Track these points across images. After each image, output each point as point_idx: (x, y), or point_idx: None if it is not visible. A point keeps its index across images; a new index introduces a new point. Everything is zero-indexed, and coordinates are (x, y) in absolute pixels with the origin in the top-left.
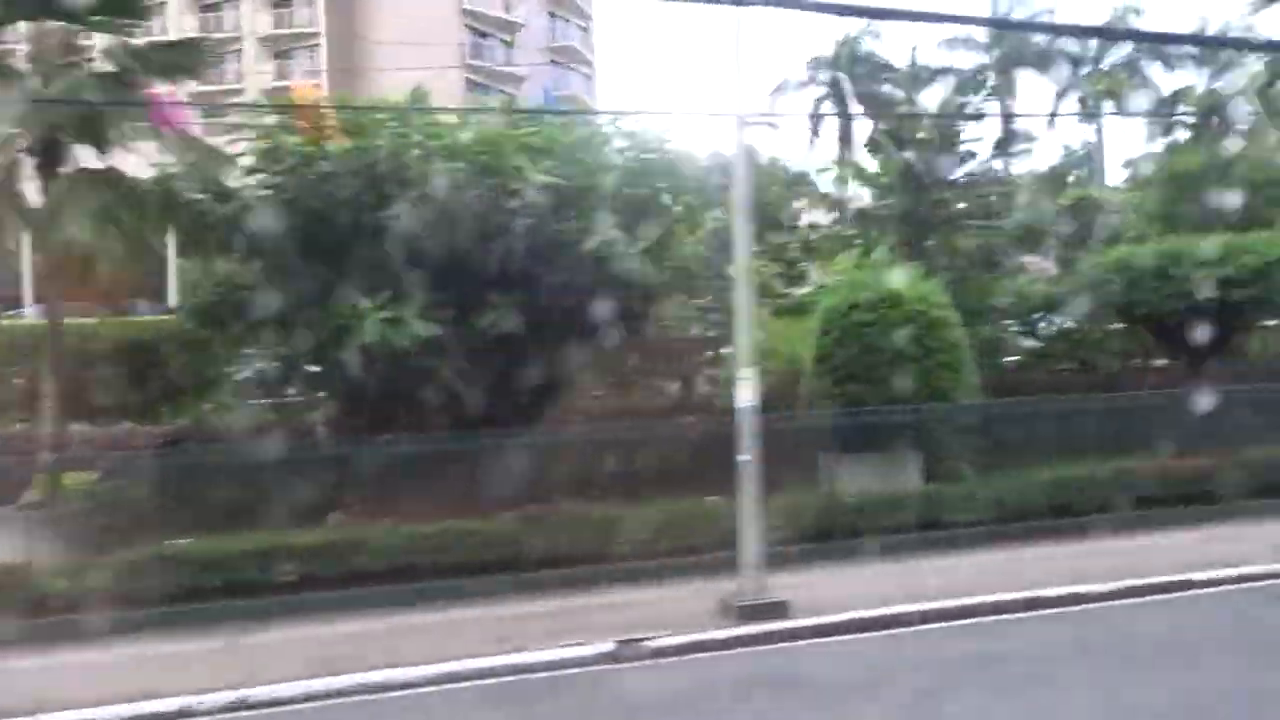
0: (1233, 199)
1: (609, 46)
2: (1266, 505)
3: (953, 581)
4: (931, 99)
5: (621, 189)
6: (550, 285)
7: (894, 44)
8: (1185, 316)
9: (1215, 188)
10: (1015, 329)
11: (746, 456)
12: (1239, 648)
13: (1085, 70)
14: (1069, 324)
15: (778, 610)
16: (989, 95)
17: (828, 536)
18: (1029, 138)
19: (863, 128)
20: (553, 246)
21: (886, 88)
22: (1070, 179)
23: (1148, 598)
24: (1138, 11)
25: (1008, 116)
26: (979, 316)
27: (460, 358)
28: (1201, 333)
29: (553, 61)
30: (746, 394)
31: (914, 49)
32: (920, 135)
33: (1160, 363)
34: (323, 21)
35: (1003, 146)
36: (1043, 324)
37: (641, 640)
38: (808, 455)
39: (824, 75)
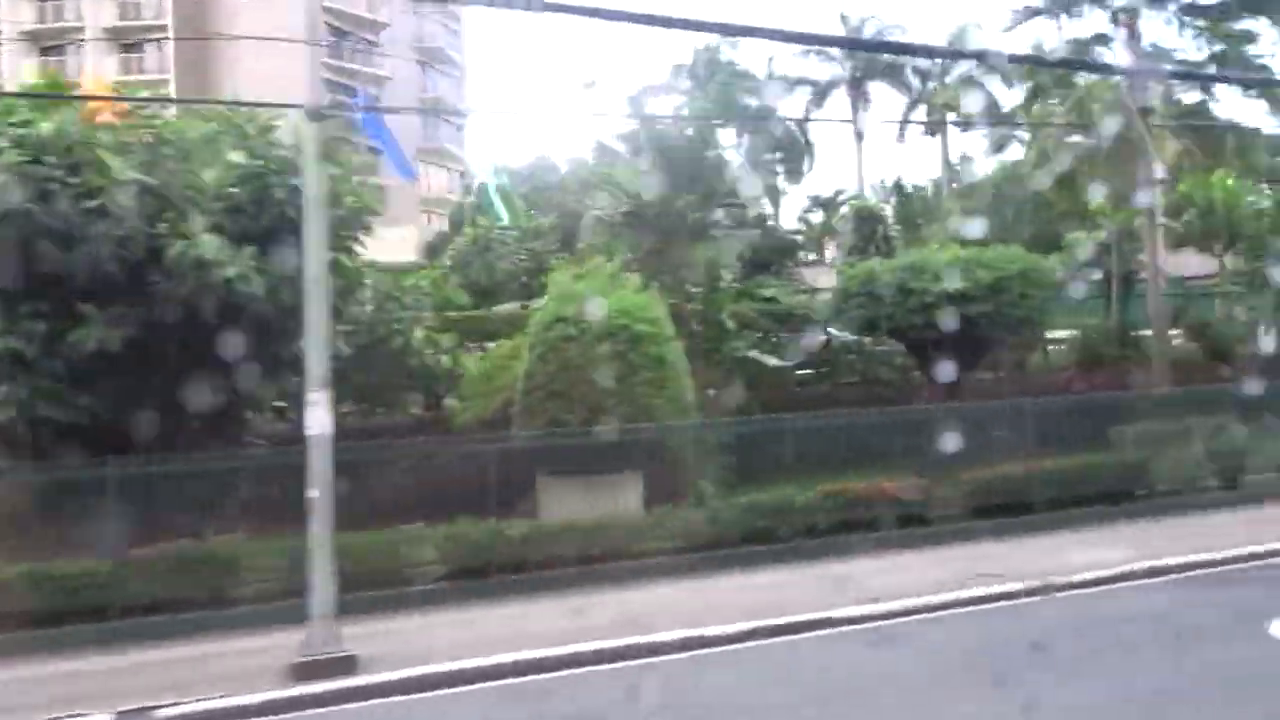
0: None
1: (483, 49)
2: (980, 527)
3: (579, 627)
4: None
5: (227, 189)
6: (160, 296)
7: (755, 54)
8: (925, 331)
9: (1007, 202)
10: (790, 343)
11: (315, 491)
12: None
13: (932, 84)
14: (848, 337)
15: (342, 667)
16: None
17: (487, 573)
18: (791, 148)
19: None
20: (150, 254)
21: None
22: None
23: (777, 639)
24: (979, 26)
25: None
26: (724, 331)
27: (57, 378)
28: (942, 348)
29: (418, 62)
30: (318, 420)
31: (770, 60)
32: (672, 142)
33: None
34: (170, 14)
35: (763, 155)
36: (825, 336)
37: (151, 709)
38: (522, 481)
39: (685, 82)
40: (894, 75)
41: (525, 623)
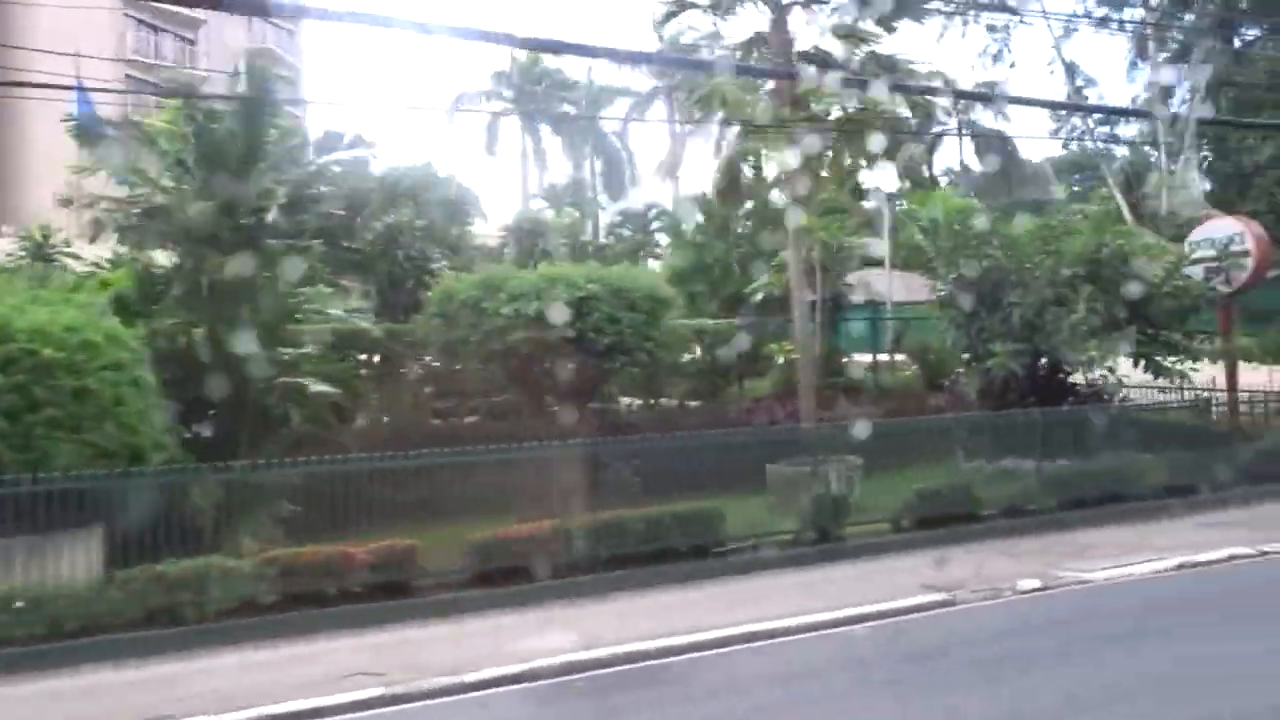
0: None
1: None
2: (471, 599)
3: None
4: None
5: None
6: None
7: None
8: (507, 357)
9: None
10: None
11: None
12: None
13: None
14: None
15: None
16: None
17: None
18: (363, 142)
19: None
20: None
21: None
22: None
23: None
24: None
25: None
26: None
27: None
28: (549, 376)
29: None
30: None
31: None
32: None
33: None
34: None
35: (330, 148)
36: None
37: None
38: None
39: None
40: None
41: None
